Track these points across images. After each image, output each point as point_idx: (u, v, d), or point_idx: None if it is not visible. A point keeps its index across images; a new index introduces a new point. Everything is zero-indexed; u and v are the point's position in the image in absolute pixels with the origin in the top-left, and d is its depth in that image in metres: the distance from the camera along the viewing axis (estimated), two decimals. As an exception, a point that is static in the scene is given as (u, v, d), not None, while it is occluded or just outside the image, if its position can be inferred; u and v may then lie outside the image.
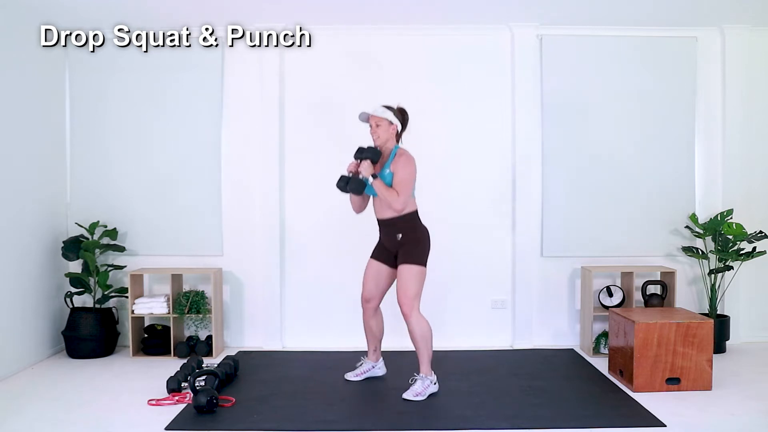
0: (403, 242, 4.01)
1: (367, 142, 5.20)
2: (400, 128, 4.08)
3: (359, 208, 4.20)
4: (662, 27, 5.22)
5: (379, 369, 4.37)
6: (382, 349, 4.42)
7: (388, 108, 4.05)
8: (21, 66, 4.71)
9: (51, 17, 4.87)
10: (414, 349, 4.03)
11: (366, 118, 4.07)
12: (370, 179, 3.94)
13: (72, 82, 5.26)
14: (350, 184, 3.99)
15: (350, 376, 4.36)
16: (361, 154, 4.03)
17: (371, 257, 4.22)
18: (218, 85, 5.25)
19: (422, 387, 3.94)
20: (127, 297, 5.10)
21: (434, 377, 4.02)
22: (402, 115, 4.10)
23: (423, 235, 4.06)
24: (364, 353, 4.47)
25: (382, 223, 4.10)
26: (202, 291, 5.16)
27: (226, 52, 5.25)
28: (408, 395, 3.92)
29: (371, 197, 4.14)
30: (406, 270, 3.97)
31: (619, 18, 5.04)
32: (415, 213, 4.07)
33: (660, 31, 5.24)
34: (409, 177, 3.94)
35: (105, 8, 4.76)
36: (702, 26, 5.25)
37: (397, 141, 4.12)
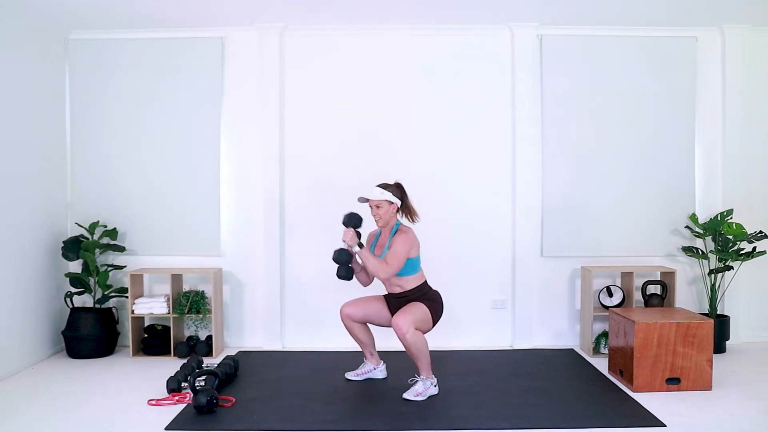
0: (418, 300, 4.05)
1: (368, 149, 5.23)
2: (400, 204, 4.08)
3: (366, 283, 4.23)
4: (662, 27, 5.23)
5: (380, 372, 4.37)
6: (380, 350, 4.41)
7: (385, 187, 4.05)
8: (21, 66, 4.70)
9: (51, 16, 4.89)
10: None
11: (365, 201, 4.07)
12: (356, 248, 3.95)
13: (72, 82, 5.26)
14: (335, 255, 3.98)
15: (351, 375, 4.36)
16: (348, 221, 4.03)
17: (383, 294, 4.22)
18: (218, 85, 5.25)
19: (423, 387, 3.94)
20: (127, 297, 5.10)
21: (435, 379, 4.02)
22: (400, 190, 4.10)
23: (437, 297, 4.11)
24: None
25: (392, 296, 4.12)
26: (202, 291, 5.16)
27: (225, 51, 5.26)
28: (408, 395, 3.92)
29: None
30: (417, 304, 3.99)
31: (619, 18, 5.04)
32: (425, 284, 4.11)
33: (660, 31, 5.24)
34: (402, 251, 3.94)
35: (105, 8, 4.75)
36: (702, 26, 5.25)
37: (409, 215, 4.12)
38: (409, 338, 3.83)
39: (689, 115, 5.29)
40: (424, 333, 3.97)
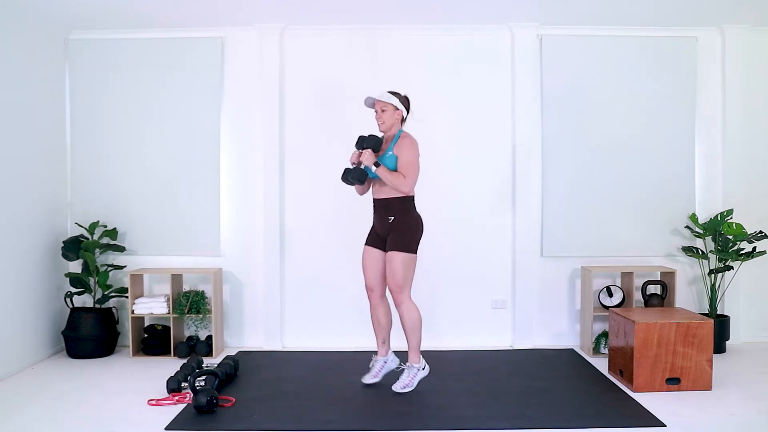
0: (393, 226, 4.00)
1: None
2: (405, 114, 4.11)
3: (362, 191, 4.22)
4: (662, 27, 5.23)
5: (392, 362, 4.27)
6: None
7: (394, 94, 4.08)
8: (21, 66, 4.70)
9: (51, 16, 4.89)
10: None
11: (372, 103, 4.10)
12: (373, 168, 3.95)
13: (72, 82, 5.26)
14: (351, 174, 4.01)
15: (368, 379, 4.22)
16: (362, 143, 4.05)
17: (365, 244, 4.20)
18: (218, 85, 5.25)
19: (409, 377, 3.97)
20: (127, 297, 5.10)
21: (422, 363, 4.01)
22: (407, 102, 4.14)
23: (414, 222, 4.04)
24: (373, 353, 4.40)
25: (377, 203, 4.10)
26: (202, 291, 5.16)
27: (225, 51, 5.26)
28: (397, 387, 3.95)
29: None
30: (394, 257, 3.97)
31: (619, 18, 5.04)
32: (412, 199, 4.07)
33: (660, 31, 5.25)
34: (414, 158, 3.96)
35: (105, 8, 4.75)
36: (702, 26, 5.25)
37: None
38: (403, 308, 3.93)
39: (689, 115, 5.29)
40: (412, 270, 3.98)
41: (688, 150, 5.30)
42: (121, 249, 5.14)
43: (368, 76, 5.25)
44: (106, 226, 5.20)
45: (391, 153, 3.98)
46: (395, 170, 3.96)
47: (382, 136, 4.14)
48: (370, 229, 4.20)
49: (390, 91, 4.11)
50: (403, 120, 4.12)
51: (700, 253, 5.12)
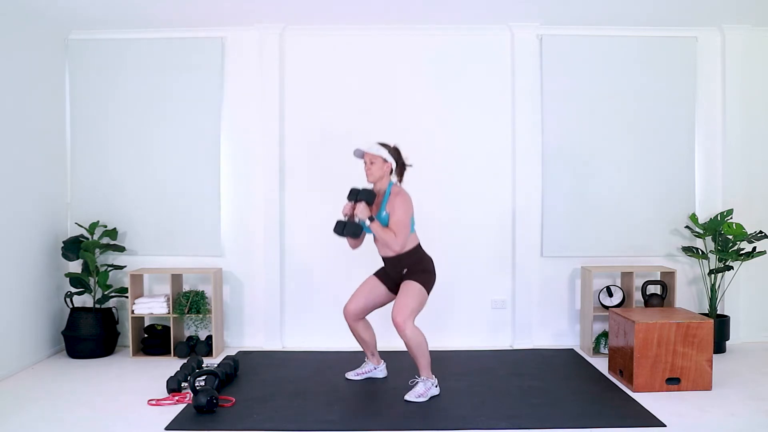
0: (410, 271, 4.01)
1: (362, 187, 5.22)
2: (394, 166, 4.05)
3: (354, 246, 4.19)
4: (662, 27, 5.23)
5: (380, 372, 4.37)
6: (380, 350, 4.41)
7: (383, 146, 4.03)
8: (21, 66, 4.70)
9: (51, 16, 4.89)
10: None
11: (361, 154, 4.04)
12: (367, 222, 3.92)
13: (72, 82, 5.26)
14: (347, 228, 3.96)
15: (351, 375, 4.36)
16: (356, 196, 4.00)
17: (374, 274, 4.19)
18: (218, 85, 5.25)
19: (424, 389, 3.94)
20: (127, 297, 5.10)
21: (435, 380, 4.01)
22: (397, 153, 4.07)
23: (429, 266, 4.07)
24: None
25: (388, 260, 4.08)
26: (202, 291, 5.16)
27: (225, 51, 5.26)
28: (410, 397, 3.91)
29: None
30: (412, 284, 3.95)
31: (619, 18, 5.04)
32: (418, 247, 4.07)
33: (660, 31, 5.24)
34: (406, 217, 3.91)
35: (105, 8, 4.75)
36: (702, 26, 5.25)
37: (398, 178, 4.10)
38: (408, 333, 3.82)
39: (689, 115, 5.29)
40: (422, 304, 3.95)
41: (688, 150, 5.29)
42: (121, 249, 5.14)
43: (369, 76, 5.25)
44: (106, 226, 5.20)
45: (385, 213, 3.96)
46: (387, 226, 3.94)
47: (373, 188, 4.09)
48: (382, 266, 4.20)
49: (380, 142, 4.06)
50: (392, 171, 4.06)
51: (700, 253, 5.12)
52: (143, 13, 4.88)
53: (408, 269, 4.00)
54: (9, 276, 4.55)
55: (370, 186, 4.08)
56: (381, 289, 4.15)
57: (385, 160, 4.00)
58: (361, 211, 3.91)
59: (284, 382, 4.30)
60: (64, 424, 3.57)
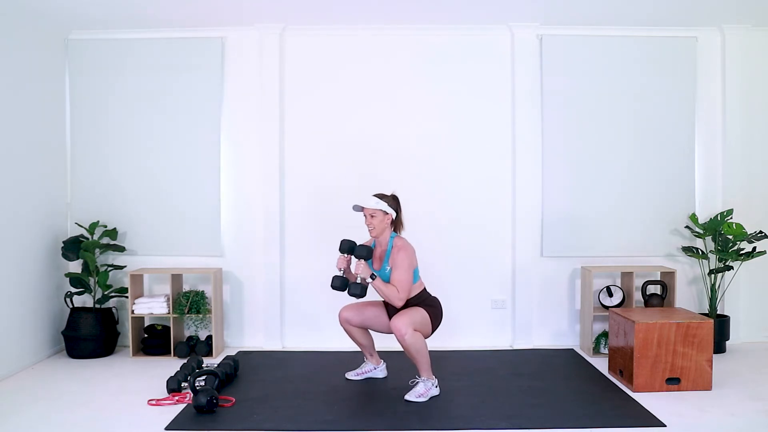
0: (415, 305, 4.01)
1: (367, 149, 5.23)
2: (394, 216, 4.05)
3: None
4: (662, 27, 5.23)
5: (380, 372, 4.38)
6: (380, 350, 4.41)
7: (381, 197, 4.02)
8: (21, 67, 4.70)
9: (51, 16, 4.89)
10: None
11: (360, 209, 4.03)
12: (369, 280, 3.88)
13: (72, 83, 5.26)
14: (351, 289, 3.90)
15: (351, 375, 4.36)
16: (350, 250, 3.97)
17: (383, 301, 4.16)
18: (218, 85, 5.25)
19: (425, 389, 3.94)
20: (127, 297, 5.10)
21: (435, 380, 4.01)
22: (396, 202, 4.07)
23: (436, 302, 4.08)
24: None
25: (393, 307, 4.06)
26: (202, 291, 5.16)
27: (225, 51, 5.26)
28: (410, 396, 3.91)
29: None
30: (418, 309, 3.94)
31: (619, 18, 5.04)
32: (424, 290, 4.08)
33: (660, 31, 5.24)
34: (408, 274, 3.90)
35: (105, 8, 4.75)
36: (702, 26, 5.25)
37: (396, 229, 4.09)
38: (408, 339, 3.81)
39: (689, 115, 5.29)
40: (424, 338, 3.95)
41: (688, 150, 5.30)
42: (121, 249, 5.14)
43: (369, 76, 5.25)
44: (106, 226, 5.20)
45: (389, 268, 3.96)
46: (388, 281, 3.95)
47: (371, 241, 4.09)
48: None
49: (376, 194, 4.05)
50: (392, 222, 4.05)
51: (700, 253, 5.12)
52: (143, 13, 4.88)
53: (414, 305, 4.02)
54: (9, 276, 4.55)
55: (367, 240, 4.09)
56: (382, 316, 4.14)
57: (385, 213, 4.00)
58: (363, 270, 3.89)
59: (284, 382, 4.31)
60: (64, 424, 3.57)
